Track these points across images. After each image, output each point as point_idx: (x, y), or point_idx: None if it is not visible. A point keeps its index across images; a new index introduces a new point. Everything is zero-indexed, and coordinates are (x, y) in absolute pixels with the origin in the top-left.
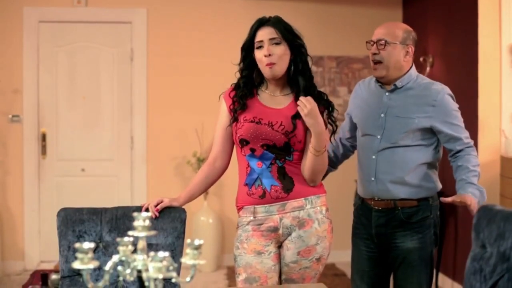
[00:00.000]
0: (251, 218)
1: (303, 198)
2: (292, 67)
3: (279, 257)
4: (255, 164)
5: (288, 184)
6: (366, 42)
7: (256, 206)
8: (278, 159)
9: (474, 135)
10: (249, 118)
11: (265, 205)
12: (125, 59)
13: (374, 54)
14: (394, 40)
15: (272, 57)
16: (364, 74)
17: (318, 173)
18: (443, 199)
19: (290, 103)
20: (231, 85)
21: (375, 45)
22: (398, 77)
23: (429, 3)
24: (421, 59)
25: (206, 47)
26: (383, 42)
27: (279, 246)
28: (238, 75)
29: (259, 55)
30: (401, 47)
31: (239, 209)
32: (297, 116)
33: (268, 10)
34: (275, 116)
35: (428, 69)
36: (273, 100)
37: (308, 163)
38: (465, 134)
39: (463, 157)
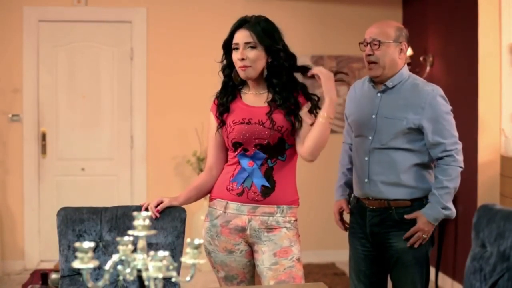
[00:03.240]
0: (221, 212)
1: (275, 206)
2: (266, 70)
3: (252, 254)
4: (246, 163)
5: (268, 189)
6: (359, 43)
7: (229, 201)
8: (270, 159)
9: (474, 134)
10: (239, 120)
11: (238, 203)
12: (125, 58)
13: (369, 55)
14: (387, 39)
15: (246, 61)
16: (364, 73)
17: (321, 145)
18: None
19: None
20: (215, 97)
21: (368, 45)
22: (391, 75)
23: (429, 3)
24: (421, 58)
25: (206, 46)
26: (376, 42)
27: (250, 246)
28: (221, 74)
29: (234, 57)
30: (394, 45)
31: (212, 199)
32: (289, 112)
33: (268, 10)
34: (264, 114)
35: (428, 68)
36: (258, 98)
37: (314, 133)
38: (450, 140)
39: (441, 167)
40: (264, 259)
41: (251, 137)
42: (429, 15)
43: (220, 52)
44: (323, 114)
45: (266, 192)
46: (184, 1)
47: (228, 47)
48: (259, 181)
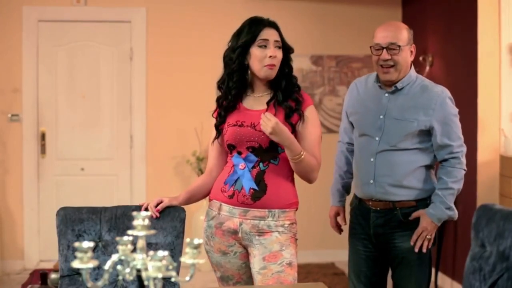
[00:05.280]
0: (216, 213)
1: (266, 210)
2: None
3: (247, 255)
4: (239, 165)
5: (258, 192)
6: (370, 47)
7: (222, 203)
8: (262, 162)
9: (473, 134)
10: (232, 123)
11: (230, 206)
12: (124, 58)
13: (386, 60)
14: (404, 43)
15: (275, 59)
16: (364, 73)
17: (308, 175)
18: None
19: (272, 103)
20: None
21: (384, 50)
22: (402, 77)
23: (429, 2)
24: (420, 58)
25: (205, 46)
26: (396, 47)
27: (245, 248)
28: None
29: (261, 53)
30: (407, 48)
31: (210, 200)
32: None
33: (268, 10)
34: (257, 117)
35: (427, 68)
36: (257, 101)
37: (293, 168)
38: (457, 142)
39: (446, 169)
40: (255, 262)
41: (243, 140)
42: (428, 15)
43: (219, 51)
44: (288, 157)
45: (257, 196)
46: (183, 1)
47: (246, 46)
48: (248, 183)
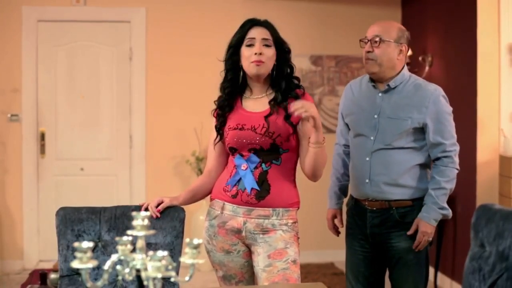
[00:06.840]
0: (219, 212)
1: (271, 209)
2: (275, 71)
3: (250, 254)
4: (241, 166)
5: (262, 192)
6: (360, 40)
7: (226, 202)
8: (264, 162)
9: (473, 134)
10: (233, 126)
11: (234, 205)
12: (124, 58)
13: (368, 52)
14: (389, 38)
15: (262, 56)
16: (363, 73)
17: (320, 167)
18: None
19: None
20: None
21: (369, 43)
22: (391, 76)
23: (428, 2)
24: (420, 58)
25: (205, 46)
26: (377, 39)
27: (248, 247)
28: (222, 74)
29: (247, 52)
30: (394, 46)
31: (211, 199)
32: (271, 114)
33: (268, 10)
34: (258, 120)
35: (427, 68)
36: (256, 103)
37: (309, 158)
38: (450, 141)
39: (439, 168)
40: (259, 260)
41: (244, 142)
42: (428, 15)
43: (218, 51)
44: (313, 142)
45: (261, 195)
46: (183, 1)
47: (236, 46)
48: (250, 184)
